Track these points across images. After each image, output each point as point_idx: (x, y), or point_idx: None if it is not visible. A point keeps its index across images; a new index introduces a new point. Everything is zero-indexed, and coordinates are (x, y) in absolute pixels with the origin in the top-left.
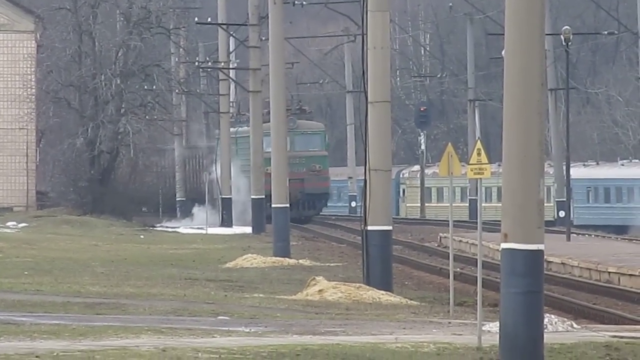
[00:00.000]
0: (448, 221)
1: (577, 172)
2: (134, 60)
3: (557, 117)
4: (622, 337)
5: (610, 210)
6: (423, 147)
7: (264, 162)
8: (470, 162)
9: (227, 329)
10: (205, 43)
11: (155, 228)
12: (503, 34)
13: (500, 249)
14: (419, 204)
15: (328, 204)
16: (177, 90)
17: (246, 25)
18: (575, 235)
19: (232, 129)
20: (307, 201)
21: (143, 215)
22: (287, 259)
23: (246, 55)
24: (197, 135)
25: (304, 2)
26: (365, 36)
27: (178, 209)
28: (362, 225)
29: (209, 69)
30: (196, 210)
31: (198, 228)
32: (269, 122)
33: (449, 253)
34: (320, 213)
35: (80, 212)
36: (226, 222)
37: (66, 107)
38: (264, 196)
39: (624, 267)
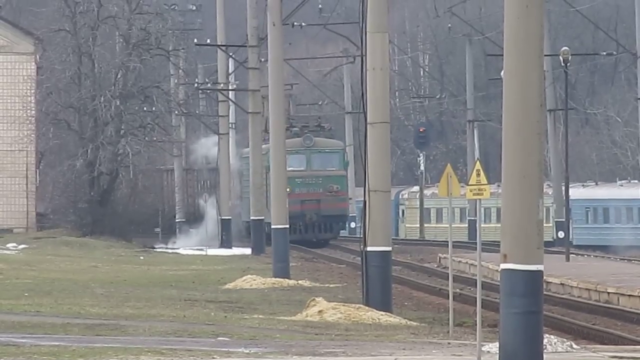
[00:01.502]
0: (447, 242)
1: (576, 192)
2: (133, 82)
3: (556, 138)
4: (621, 357)
5: (609, 230)
6: (422, 167)
7: None
8: (470, 183)
9: (226, 349)
10: (204, 64)
11: (155, 249)
12: (502, 55)
13: (499, 270)
14: (418, 225)
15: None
16: (176, 112)
17: (245, 46)
18: (574, 255)
19: (245, 149)
20: (323, 223)
21: (143, 236)
22: (286, 279)
23: (245, 76)
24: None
25: (303, 24)
26: (364, 57)
27: (177, 230)
28: (362, 246)
29: (208, 90)
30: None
31: (198, 249)
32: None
33: (448, 274)
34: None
35: (80, 233)
36: (225, 243)
37: (66, 129)
38: (263, 217)
39: (623, 287)
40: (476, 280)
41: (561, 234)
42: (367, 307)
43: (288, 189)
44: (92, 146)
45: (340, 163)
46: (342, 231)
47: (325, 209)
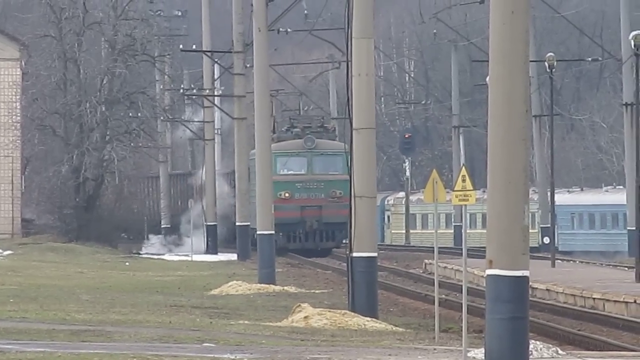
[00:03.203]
0: (433, 247)
1: (562, 198)
2: (119, 88)
3: (542, 144)
4: None
5: (594, 236)
6: (408, 173)
7: (277, 186)
8: (455, 189)
9: (212, 355)
10: (190, 70)
11: (140, 255)
12: (487, 61)
13: (485, 275)
14: (403, 231)
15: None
16: (162, 118)
17: (231, 52)
18: (560, 261)
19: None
20: (325, 231)
21: (128, 242)
22: (272, 285)
23: (231, 82)
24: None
25: (289, 30)
26: (349, 63)
27: (163, 236)
28: (347, 252)
29: (193, 96)
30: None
31: (183, 255)
32: (275, 142)
33: (434, 279)
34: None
35: (65, 239)
36: (211, 249)
37: (51, 135)
38: (249, 223)
39: (609, 293)
40: (462, 286)
41: (547, 240)
42: (352, 313)
43: (287, 194)
44: (78, 152)
45: (344, 167)
46: (344, 240)
47: (327, 215)
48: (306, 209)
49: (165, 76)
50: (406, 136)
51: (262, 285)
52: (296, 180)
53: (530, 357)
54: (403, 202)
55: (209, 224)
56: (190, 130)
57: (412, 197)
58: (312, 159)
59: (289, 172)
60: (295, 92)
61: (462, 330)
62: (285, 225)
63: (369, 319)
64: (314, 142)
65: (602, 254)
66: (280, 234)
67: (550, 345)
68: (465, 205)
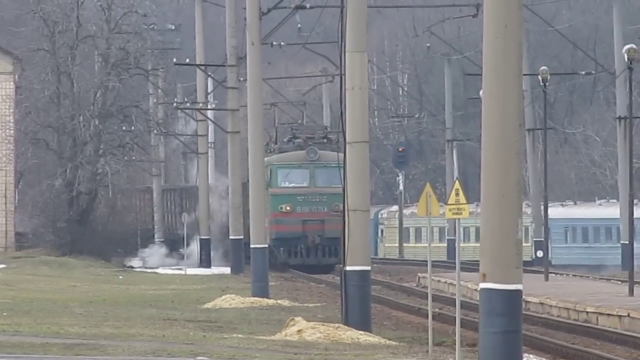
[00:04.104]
0: (426, 261)
1: (555, 212)
2: (112, 101)
3: (535, 157)
4: None
5: (588, 250)
6: (401, 187)
7: (278, 199)
8: (449, 202)
9: None
10: (183, 84)
11: (134, 269)
12: (481, 75)
13: (478, 289)
14: (397, 244)
15: None
16: (155, 131)
17: (224, 66)
18: (553, 275)
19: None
20: (327, 247)
21: (122, 256)
22: (265, 299)
23: (224, 96)
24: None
25: (282, 43)
26: (343, 77)
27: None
28: (341, 266)
29: (187, 110)
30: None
31: (177, 269)
32: (277, 153)
33: (427, 293)
34: None
35: (58, 252)
36: (205, 262)
37: (45, 148)
38: (242, 236)
39: (602, 306)
40: (455, 299)
41: (540, 254)
42: (346, 327)
43: (289, 208)
44: (71, 165)
45: None
46: None
47: (330, 230)
48: (308, 223)
49: (159, 90)
50: (400, 150)
51: (256, 298)
52: (298, 193)
53: None
54: (396, 216)
55: (202, 237)
56: (183, 144)
57: (406, 211)
58: (315, 171)
59: (291, 185)
60: (299, 101)
61: (455, 344)
62: (286, 240)
63: (362, 332)
64: (316, 154)
65: (596, 267)
66: (281, 249)
67: (544, 359)
68: (459, 218)
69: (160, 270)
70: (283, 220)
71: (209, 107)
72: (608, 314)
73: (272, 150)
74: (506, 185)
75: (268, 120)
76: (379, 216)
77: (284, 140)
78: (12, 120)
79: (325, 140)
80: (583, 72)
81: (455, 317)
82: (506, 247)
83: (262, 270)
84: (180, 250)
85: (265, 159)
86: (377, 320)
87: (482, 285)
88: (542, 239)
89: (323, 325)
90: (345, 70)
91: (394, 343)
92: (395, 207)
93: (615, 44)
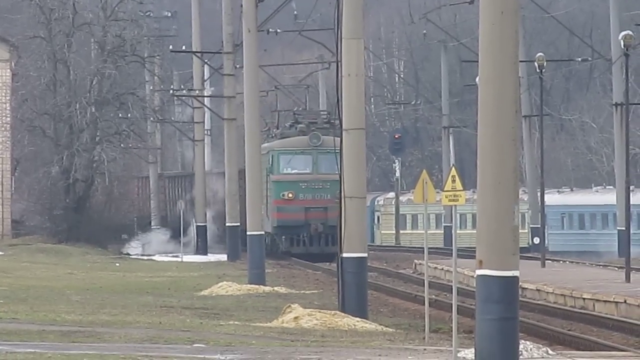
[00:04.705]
0: (423, 248)
1: (552, 198)
2: (108, 89)
3: (532, 144)
4: None
5: (584, 236)
6: (398, 174)
7: (280, 186)
8: (445, 189)
9: (202, 356)
10: (179, 71)
11: (130, 256)
12: (477, 61)
13: (475, 276)
14: (393, 231)
15: None
16: (151, 118)
17: (221, 53)
18: (550, 261)
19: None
20: (331, 235)
21: (118, 243)
22: (262, 286)
23: (221, 83)
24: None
25: (279, 30)
26: (339, 64)
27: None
28: (337, 253)
29: (183, 97)
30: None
31: (173, 256)
32: (279, 138)
33: (424, 280)
34: None
35: (55, 240)
36: (201, 249)
37: (41, 136)
38: (239, 224)
39: (599, 293)
40: (452, 286)
41: (537, 240)
42: (342, 314)
43: (291, 195)
44: (68, 153)
45: None
46: None
47: (334, 218)
48: (311, 211)
49: (155, 77)
50: (396, 137)
51: (252, 285)
52: (300, 179)
53: (521, 357)
54: (393, 203)
55: (198, 224)
56: (180, 131)
57: (402, 198)
58: (318, 157)
59: (293, 171)
60: (302, 85)
61: (452, 331)
62: (289, 227)
63: (359, 319)
64: (320, 139)
65: (592, 253)
66: (283, 237)
67: (541, 346)
68: (455, 205)
69: (157, 258)
70: (285, 208)
71: (205, 94)
72: (605, 301)
73: (273, 135)
74: (503, 172)
75: (265, 107)
76: (376, 203)
77: (286, 125)
78: (8, 108)
79: (328, 126)
80: (579, 59)
81: (452, 304)
82: (503, 234)
83: (258, 257)
84: (178, 238)
85: (267, 144)
86: (374, 307)
87: (479, 272)
88: (539, 226)
89: (320, 312)
90: (341, 57)
91: (391, 330)
92: (391, 194)
93: (611, 31)
